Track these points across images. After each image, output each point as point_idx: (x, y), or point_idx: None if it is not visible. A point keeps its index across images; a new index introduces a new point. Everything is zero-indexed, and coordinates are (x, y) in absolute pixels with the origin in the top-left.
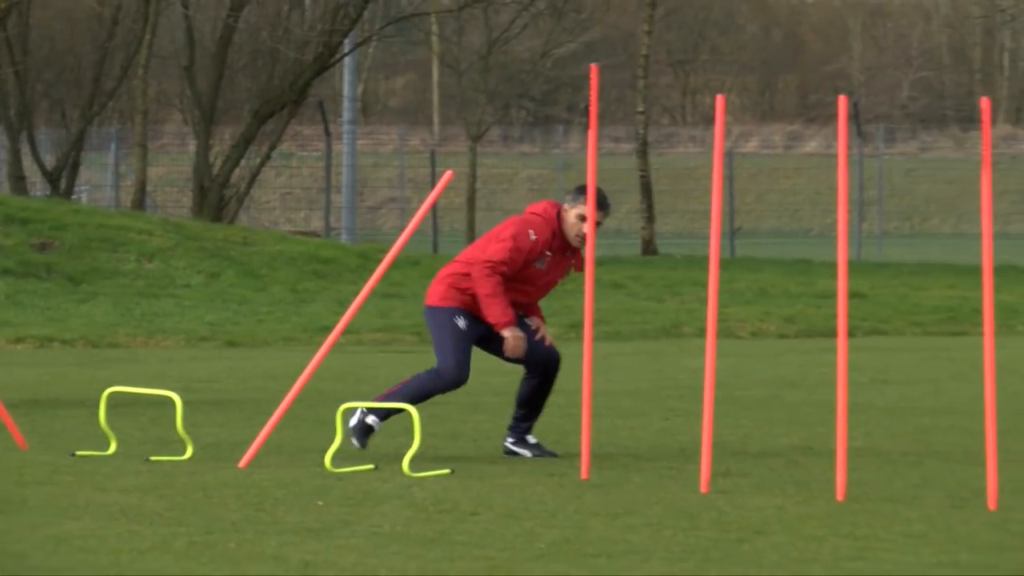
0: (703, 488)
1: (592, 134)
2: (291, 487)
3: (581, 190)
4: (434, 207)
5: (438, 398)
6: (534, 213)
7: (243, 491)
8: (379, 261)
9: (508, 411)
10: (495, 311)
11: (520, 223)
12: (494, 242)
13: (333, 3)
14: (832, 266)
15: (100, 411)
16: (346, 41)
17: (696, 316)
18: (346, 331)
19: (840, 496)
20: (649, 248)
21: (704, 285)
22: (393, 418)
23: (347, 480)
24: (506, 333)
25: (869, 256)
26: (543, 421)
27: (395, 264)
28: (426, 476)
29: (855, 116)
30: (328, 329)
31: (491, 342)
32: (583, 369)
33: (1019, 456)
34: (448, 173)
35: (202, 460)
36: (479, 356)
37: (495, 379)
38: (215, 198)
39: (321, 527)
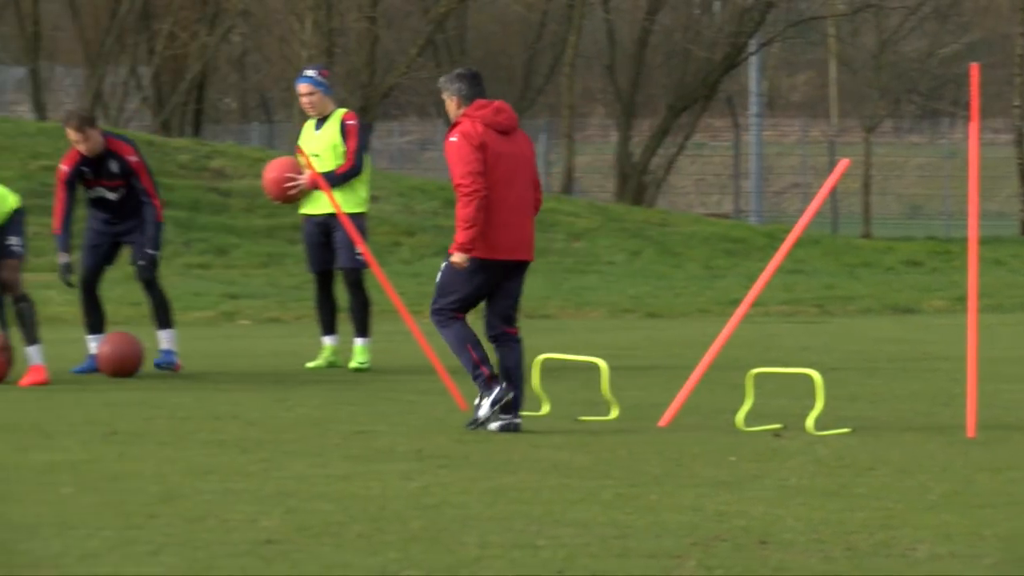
0: None
1: (974, 126)
2: (706, 444)
3: (461, 78)
4: (832, 191)
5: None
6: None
7: (663, 448)
8: (784, 240)
9: (902, 377)
10: None
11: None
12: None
13: (739, 7)
14: None
15: (535, 376)
16: (751, 41)
17: None
18: (754, 303)
19: None
20: None
21: None
22: (792, 381)
23: (756, 438)
24: None
25: None
26: (929, 383)
27: (798, 243)
28: (828, 434)
29: None
30: (738, 302)
31: None
32: (968, 338)
33: None
34: (844, 161)
35: (625, 420)
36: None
37: (888, 347)
38: (635, 184)
39: (733, 480)
